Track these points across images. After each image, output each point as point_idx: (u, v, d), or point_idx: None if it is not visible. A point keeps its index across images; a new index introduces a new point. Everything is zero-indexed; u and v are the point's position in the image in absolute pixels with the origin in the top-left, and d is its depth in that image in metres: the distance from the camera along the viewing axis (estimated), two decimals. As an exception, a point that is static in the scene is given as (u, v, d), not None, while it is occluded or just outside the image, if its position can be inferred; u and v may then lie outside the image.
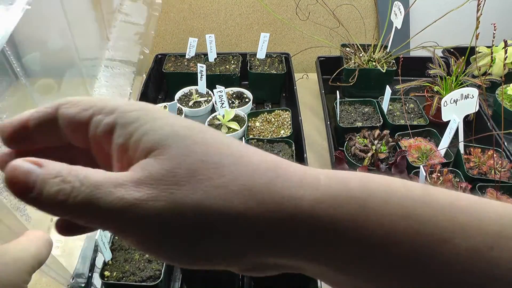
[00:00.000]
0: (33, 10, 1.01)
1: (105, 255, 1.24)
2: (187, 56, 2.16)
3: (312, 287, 1.28)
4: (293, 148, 1.68)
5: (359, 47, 2.14)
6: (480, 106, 1.71)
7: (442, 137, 1.64)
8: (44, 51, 1.24)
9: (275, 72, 2.04)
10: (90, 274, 1.25)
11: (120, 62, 1.71)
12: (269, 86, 2.07)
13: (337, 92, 1.88)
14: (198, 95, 1.98)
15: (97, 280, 1.25)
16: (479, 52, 2.05)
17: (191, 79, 2.00)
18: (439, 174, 1.49)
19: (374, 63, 2.04)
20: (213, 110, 1.95)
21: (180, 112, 1.88)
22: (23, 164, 0.32)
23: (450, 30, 2.42)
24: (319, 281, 1.19)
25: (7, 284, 0.59)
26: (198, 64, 1.94)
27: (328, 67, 2.15)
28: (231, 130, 1.79)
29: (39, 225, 1.08)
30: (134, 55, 1.80)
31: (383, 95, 1.86)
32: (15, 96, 1.07)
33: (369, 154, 1.60)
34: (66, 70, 1.39)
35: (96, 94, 1.55)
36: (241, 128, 1.80)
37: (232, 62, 2.14)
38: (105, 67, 1.66)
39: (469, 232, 0.36)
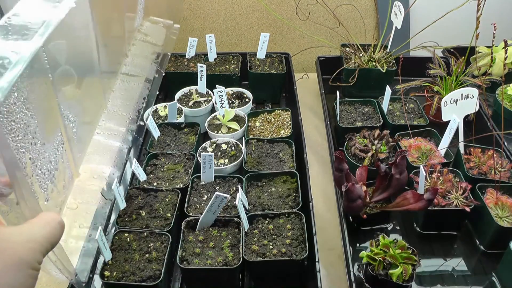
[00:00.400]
0: (68, 19, 1.05)
1: (105, 255, 1.24)
2: (187, 56, 2.16)
3: (312, 287, 1.28)
4: (293, 148, 1.68)
5: (359, 47, 2.14)
6: (480, 106, 1.71)
7: (442, 137, 1.64)
8: (70, 59, 1.28)
9: (275, 72, 2.04)
10: (90, 275, 1.25)
11: (135, 77, 1.78)
12: (269, 86, 2.07)
13: (337, 92, 1.88)
14: (198, 95, 1.98)
15: (97, 280, 1.25)
16: (479, 52, 2.05)
17: (191, 79, 2.00)
18: (439, 174, 1.49)
19: (374, 63, 2.04)
20: (213, 110, 1.95)
21: (180, 112, 1.88)
22: None
23: (450, 30, 2.42)
24: (319, 281, 1.19)
25: (21, 263, 0.62)
26: (198, 64, 1.94)
27: (328, 67, 2.15)
28: (231, 130, 1.80)
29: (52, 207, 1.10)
30: (150, 73, 1.86)
31: (383, 95, 1.86)
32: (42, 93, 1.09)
33: (369, 154, 1.60)
34: (86, 79, 1.43)
35: (110, 105, 1.60)
36: (241, 128, 1.80)
37: (232, 62, 2.14)
38: (122, 81, 1.72)
39: None
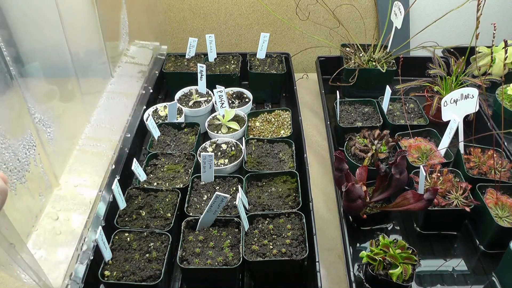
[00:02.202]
0: (38, 39, 1.10)
1: (105, 254, 1.24)
2: (187, 56, 2.16)
3: (312, 287, 1.28)
4: (293, 148, 1.68)
5: (359, 47, 2.14)
6: (480, 106, 1.71)
7: (442, 137, 1.64)
8: (47, 79, 1.37)
9: (275, 72, 2.04)
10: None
11: (120, 94, 1.84)
12: (269, 86, 2.07)
13: (337, 92, 1.88)
14: (198, 95, 1.98)
15: (97, 280, 1.25)
16: (479, 52, 2.05)
17: (191, 79, 2.00)
18: (439, 174, 1.49)
19: (374, 63, 2.04)
20: (213, 110, 1.95)
21: (180, 112, 1.88)
22: None
23: (450, 30, 2.42)
24: (319, 281, 1.19)
25: None
26: (198, 64, 1.94)
27: (328, 67, 2.15)
28: (231, 130, 1.80)
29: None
30: (135, 89, 1.91)
31: (383, 95, 1.86)
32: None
33: (369, 154, 1.60)
34: (67, 98, 1.50)
35: (94, 119, 1.67)
36: (241, 128, 1.80)
37: (232, 62, 2.14)
38: (107, 98, 1.79)
39: None
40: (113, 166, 1.52)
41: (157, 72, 2.08)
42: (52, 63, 1.41)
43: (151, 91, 1.93)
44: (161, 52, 2.22)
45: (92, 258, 1.25)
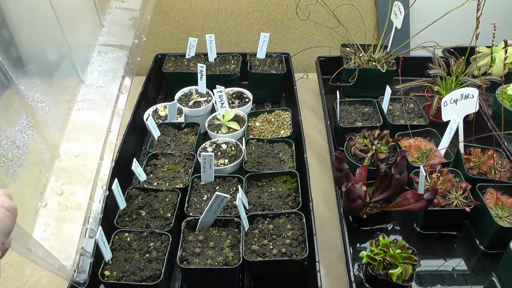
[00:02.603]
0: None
1: (105, 254, 1.24)
2: (187, 56, 2.16)
3: (312, 287, 1.28)
4: (293, 148, 1.68)
5: (359, 47, 2.14)
6: (480, 106, 1.71)
7: (442, 137, 1.64)
8: (31, 41, 1.27)
9: (275, 72, 2.04)
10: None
11: (113, 47, 1.72)
12: (269, 86, 2.07)
13: (337, 92, 1.88)
14: (198, 95, 1.98)
15: (97, 280, 1.25)
16: (479, 52, 2.05)
17: (191, 79, 2.00)
18: (439, 174, 1.49)
19: (374, 63, 2.04)
20: (213, 110, 1.95)
21: (180, 112, 1.88)
22: None
23: (450, 30, 2.42)
24: (319, 281, 1.19)
25: None
26: (198, 64, 1.94)
27: (328, 67, 2.15)
28: (231, 130, 1.80)
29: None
30: (128, 40, 1.78)
31: (383, 95, 1.86)
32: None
33: (369, 154, 1.60)
34: (56, 59, 1.40)
35: (88, 79, 1.54)
36: (241, 128, 1.80)
37: (232, 62, 2.14)
38: (98, 52, 1.66)
39: None
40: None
41: (149, 17, 1.92)
42: (32, 19, 1.30)
43: (144, 39, 1.81)
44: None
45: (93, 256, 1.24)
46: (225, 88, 1.85)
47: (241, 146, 1.70)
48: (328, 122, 1.86)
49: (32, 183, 1.18)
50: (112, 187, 1.35)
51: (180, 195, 1.45)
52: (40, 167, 1.23)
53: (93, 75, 1.58)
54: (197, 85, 1.99)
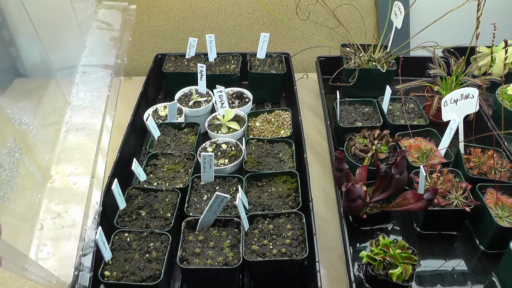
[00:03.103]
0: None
1: (105, 255, 1.24)
2: (187, 56, 2.16)
3: (312, 287, 1.28)
4: (293, 148, 1.68)
5: (359, 47, 2.14)
6: (480, 106, 1.71)
7: (442, 137, 1.64)
8: (17, 64, 1.30)
9: (275, 72, 2.04)
10: (90, 274, 1.25)
11: (96, 67, 1.75)
12: (269, 86, 2.07)
13: (337, 92, 1.88)
14: (198, 95, 1.98)
15: (97, 280, 1.25)
16: (479, 52, 2.05)
17: (191, 79, 2.00)
18: (439, 174, 1.49)
19: (374, 63, 2.04)
20: (213, 110, 1.95)
21: (180, 112, 1.88)
22: None
23: (450, 30, 2.42)
24: (319, 281, 1.19)
25: None
26: (198, 64, 1.94)
27: (328, 67, 2.15)
28: (231, 130, 1.80)
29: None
30: (110, 59, 1.83)
31: (383, 95, 1.86)
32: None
33: (369, 154, 1.60)
34: (41, 81, 1.43)
35: (74, 99, 1.58)
36: (241, 128, 1.80)
37: (232, 62, 2.14)
38: (82, 73, 1.70)
39: None
40: (108, 158, 1.48)
41: (130, 38, 1.98)
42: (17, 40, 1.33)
43: (127, 61, 1.85)
44: (131, 12, 2.12)
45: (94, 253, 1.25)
46: (225, 88, 1.85)
47: (241, 146, 1.70)
48: (328, 122, 1.86)
49: (24, 205, 1.19)
50: (112, 187, 1.35)
51: (180, 195, 1.45)
52: (32, 189, 1.24)
53: (78, 95, 1.61)
54: (197, 85, 1.99)
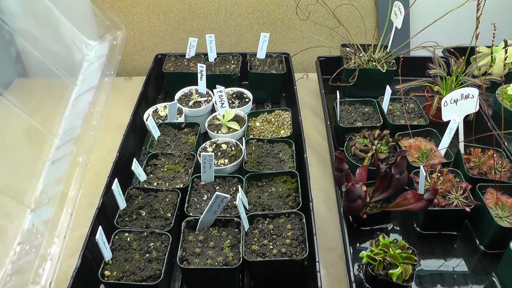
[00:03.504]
0: None
1: (105, 254, 1.24)
2: (187, 56, 2.16)
3: (312, 287, 1.28)
4: (293, 148, 1.68)
5: (359, 47, 2.14)
6: (480, 106, 1.71)
7: (442, 137, 1.64)
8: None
9: (275, 72, 2.04)
10: (90, 274, 1.25)
11: (84, 94, 1.71)
12: (269, 86, 2.07)
13: (337, 92, 1.88)
14: (198, 95, 1.98)
15: (97, 280, 1.25)
16: (479, 52, 2.05)
17: (191, 79, 2.00)
18: (439, 174, 1.49)
19: (374, 63, 2.04)
20: (213, 110, 1.95)
21: (180, 112, 1.88)
22: None
23: (450, 30, 2.42)
24: (319, 281, 1.19)
25: None
26: (198, 64, 1.94)
27: (328, 67, 2.15)
28: (231, 130, 1.80)
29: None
30: (94, 80, 1.74)
31: (383, 95, 1.86)
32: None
33: (369, 154, 1.60)
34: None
35: (61, 131, 1.50)
36: (241, 128, 1.80)
37: (232, 62, 2.14)
38: (72, 104, 1.60)
39: None
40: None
41: (119, 57, 1.92)
42: None
43: (114, 76, 1.83)
44: (117, 36, 2.03)
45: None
46: (225, 88, 1.85)
47: (241, 146, 1.70)
48: (328, 122, 1.86)
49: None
50: (112, 187, 1.35)
51: (180, 195, 1.45)
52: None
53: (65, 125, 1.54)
54: (197, 85, 1.99)
